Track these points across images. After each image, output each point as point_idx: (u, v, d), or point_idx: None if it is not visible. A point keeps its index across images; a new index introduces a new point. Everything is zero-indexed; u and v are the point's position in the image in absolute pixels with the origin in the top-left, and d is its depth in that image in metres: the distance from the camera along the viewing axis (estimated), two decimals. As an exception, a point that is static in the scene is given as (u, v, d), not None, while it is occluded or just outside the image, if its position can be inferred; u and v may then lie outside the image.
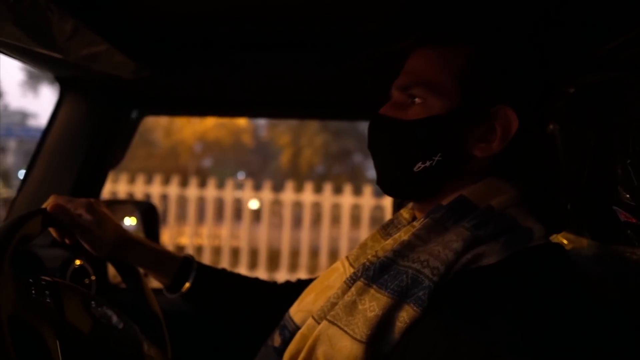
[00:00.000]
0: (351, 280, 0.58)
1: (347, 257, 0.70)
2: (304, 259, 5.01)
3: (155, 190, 5.19)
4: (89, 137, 1.05)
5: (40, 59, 0.89)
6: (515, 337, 0.45)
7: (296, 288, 0.84)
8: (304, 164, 9.11)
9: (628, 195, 0.57)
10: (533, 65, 0.61)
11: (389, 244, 0.59)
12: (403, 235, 0.58)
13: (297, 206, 5.13)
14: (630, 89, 0.65)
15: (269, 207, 5.09)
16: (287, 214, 5.06)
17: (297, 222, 5.19)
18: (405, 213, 0.69)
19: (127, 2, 0.86)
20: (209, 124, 8.67)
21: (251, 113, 1.39)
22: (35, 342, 0.57)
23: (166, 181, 5.22)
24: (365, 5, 0.79)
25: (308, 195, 5.05)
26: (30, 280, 0.63)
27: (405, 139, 0.60)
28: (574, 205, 0.68)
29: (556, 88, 0.70)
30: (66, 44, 0.79)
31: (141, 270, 0.86)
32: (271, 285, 0.89)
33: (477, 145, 0.58)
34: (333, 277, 0.68)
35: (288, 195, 5.08)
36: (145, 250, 0.82)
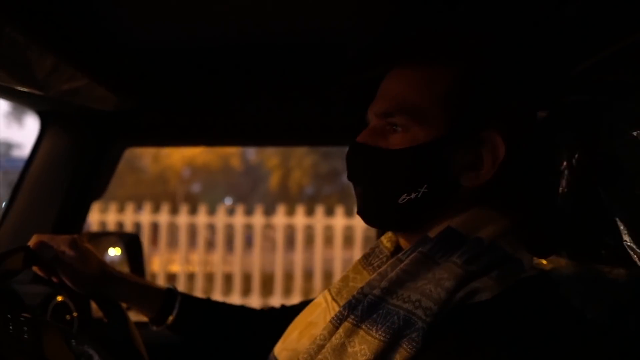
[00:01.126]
0: (337, 320, 0.55)
1: (329, 291, 0.67)
2: (297, 282, 4.99)
3: (145, 218, 5.15)
4: (71, 170, 1.04)
5: (20, 95, 0.89)
6: None
7: (281, 315, 0.83)
8: (294, 185, 9.13)
9: (601, 216, 0.58)
10: (521, 86, 0.59)
11: (375, 279, 0.56)
12: (390, 270, 0.56)
13: (289, 229, 5.12)
14: (605, 110, 0.66)
15: (260, 231, 5.07)
16: (279, 237, 5.05)
17: (289, 245, 5.17)
18: (386, 242, 0.67)
19: (107, 37, 0.86)
20: (197, 149, 8.70)
21: (236, 142, 1.40)
22: None
23: (156, 209, 5.19)
24: (344, 33, 0.81)
25: (300, 218, 5.05)
26: (9, 316, 0.63)
27: (388, 170, 0.57)
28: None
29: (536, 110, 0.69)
30: (46, 80, 0.79)
31: (124, 305, 0.85)
32: (256, 312, 0.89)
33: (465, 174, 0.56)
34: (316, 313, 0.65)
35: (280, 218, 5.08)
36: (128, 285, 0.82)
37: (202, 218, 5.12)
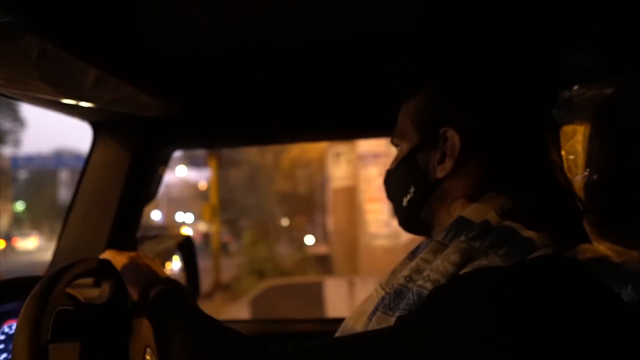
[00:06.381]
0: (372, 314, 0.61)
1: (380, 284, 0.73)
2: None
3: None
4: (123, 175, 1.08)
5: (71, 107, 0.93)
6: (498, 337, 0.46)
7: None
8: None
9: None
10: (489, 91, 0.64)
11: (403, 272, 0.62)
12: (413, 262, 0.62)
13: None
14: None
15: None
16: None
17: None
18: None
19: (146, 45, 0.88)
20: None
21: (284, 139, 1.39)
22: None
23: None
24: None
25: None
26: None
27: (392, 182, 0.72)
28: (622, 215, 0.63)
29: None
30: (91, 92, 0.82)
31: None
32: None
33: (437, 169, 0.65)
34: (368, 303, 0.70)
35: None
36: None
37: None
